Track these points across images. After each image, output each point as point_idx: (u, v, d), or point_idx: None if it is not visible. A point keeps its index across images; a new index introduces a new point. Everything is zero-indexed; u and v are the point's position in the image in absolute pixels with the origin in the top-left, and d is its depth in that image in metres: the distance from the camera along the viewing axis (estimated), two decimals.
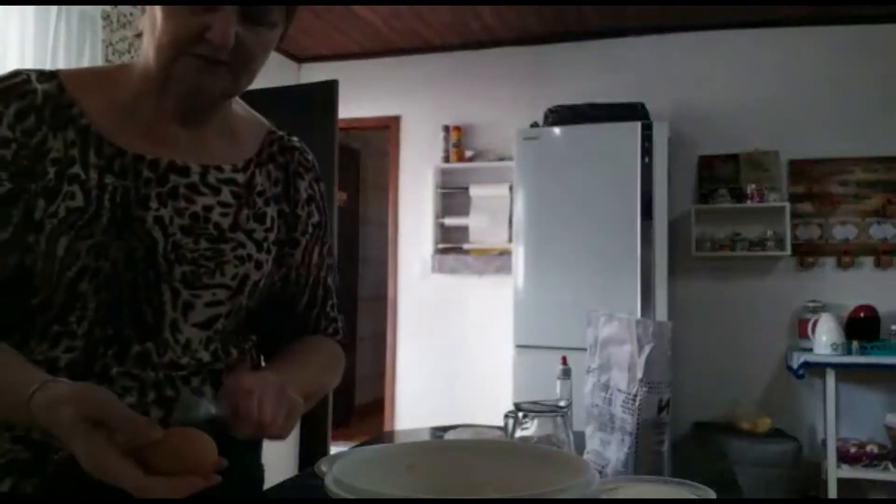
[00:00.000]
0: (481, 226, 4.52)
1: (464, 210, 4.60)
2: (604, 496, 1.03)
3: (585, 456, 1.32)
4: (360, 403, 6.11)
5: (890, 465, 3.62)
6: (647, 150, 3.67)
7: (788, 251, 3.98)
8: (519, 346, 3.80)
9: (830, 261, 4.08)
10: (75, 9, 3.12)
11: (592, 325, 1.36)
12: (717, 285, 4.21)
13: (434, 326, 4.65)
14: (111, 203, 0.86)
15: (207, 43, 0.83)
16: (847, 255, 4.05)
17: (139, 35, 0.91)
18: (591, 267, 3.68)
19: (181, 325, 0.90)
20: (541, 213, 3.84)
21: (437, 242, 4.64)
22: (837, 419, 3.67)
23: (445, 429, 1.61)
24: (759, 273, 4.16)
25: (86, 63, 3.13)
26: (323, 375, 1.03)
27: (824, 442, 3.70)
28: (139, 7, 0.91)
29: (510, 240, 4.21)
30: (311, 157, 1.07)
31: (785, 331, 4.09)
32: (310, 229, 1.04)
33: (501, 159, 4.47)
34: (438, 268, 4.63)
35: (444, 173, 4.68)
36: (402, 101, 4.80)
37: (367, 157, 6.64)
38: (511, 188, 4.15)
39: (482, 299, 4.53)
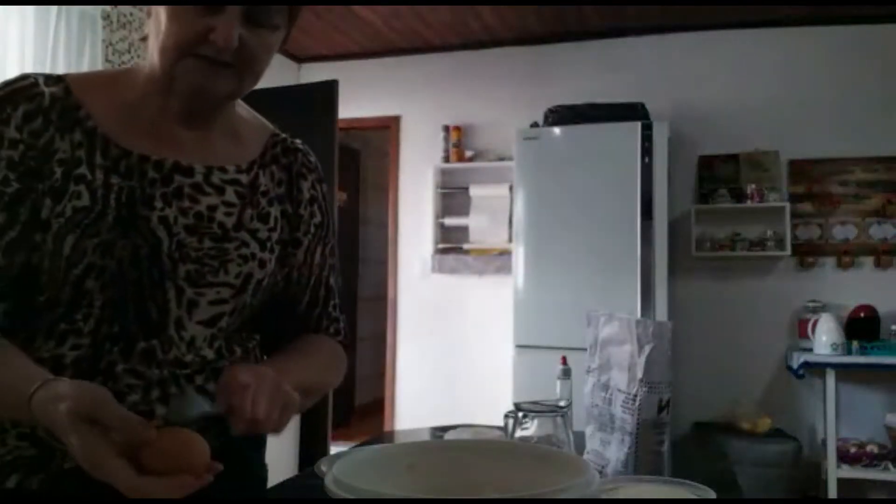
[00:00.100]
0: (481, 226, 4.52)
1: (464, 210, 4.60)
2: (604, 496, 1.03)
3: (585, 456, 1.32)
4: (360, 403, 6.11)
5: (890, 465, 3.62)
6: (647, 150, 3.67)
7: (788, 251, 3.97)
8: (519, 346, 3.80)
9: (830, 261, 4.08)
10: (75, 9, 3.12)
11: (592, 325, 1.36)
12: (717, 285, 4.21)
13: (434, 326, 4.65)
14: (117, 203, 0.87)
15: (211, 45, 0.84)
16: (847, 255, 4.05)
17: (144, 39, 0.92)
18: (591, 267, 3.68)
19: (186, 323, 0.90)
20: (541, 213, 3.84)
21: (437, 242, 4.64)
22: (837, 419, 3.68)
23: (445, 429, 1.61)
24: (759, 273, 4.16)
25: (86, 63, 3.13)
26: (322, 373, 1.04)
27: (824, 442, 3.71)
28: (140, 8, 0.92)
29: (510, 240, 4.21)
30: (313, 159, 1.09)
31: (785, 331, 4.09)
32: (312, 229, 1.05)
33: (501, 159, 4.47)
34: (438, 268, 4.63)
35: (444, 173, 4.68)
36: (402, 101, 4.80)
37: (367, 157, 6.64)
38: (511, 188, 4.15)
39: (482, 299, 4.53)
